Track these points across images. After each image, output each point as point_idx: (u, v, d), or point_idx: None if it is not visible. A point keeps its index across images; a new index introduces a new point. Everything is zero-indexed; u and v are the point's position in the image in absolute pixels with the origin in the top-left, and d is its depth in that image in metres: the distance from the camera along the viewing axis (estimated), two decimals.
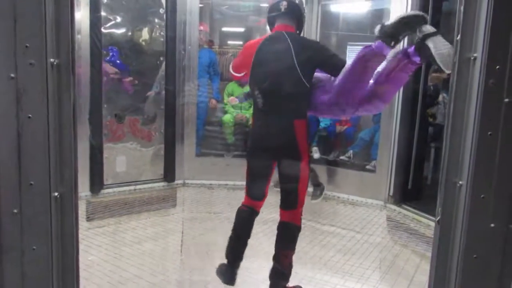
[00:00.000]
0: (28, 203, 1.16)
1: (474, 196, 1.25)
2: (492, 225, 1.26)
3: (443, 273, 1.32)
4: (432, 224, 3.96)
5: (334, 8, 5.75)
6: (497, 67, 1.19)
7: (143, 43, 4.85)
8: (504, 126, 1.21)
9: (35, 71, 1.13)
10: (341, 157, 5.15)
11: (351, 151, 5.06)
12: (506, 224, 1.27)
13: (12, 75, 1.11)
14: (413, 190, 4.47)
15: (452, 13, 5.12)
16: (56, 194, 1.20)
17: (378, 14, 5.54)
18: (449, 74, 4.80)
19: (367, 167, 5.01)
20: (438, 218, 1.31)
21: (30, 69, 1.12)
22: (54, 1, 1.13)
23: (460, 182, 1.27)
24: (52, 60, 1.15)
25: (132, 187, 4.80)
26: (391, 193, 4.51)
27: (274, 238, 3.85)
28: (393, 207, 4.47)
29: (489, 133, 1.22)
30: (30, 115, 1.14)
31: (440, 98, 5.05)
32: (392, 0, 4.40)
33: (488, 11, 1.17)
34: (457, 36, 1.23)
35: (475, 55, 1.21)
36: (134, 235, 3.81)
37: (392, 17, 4.34)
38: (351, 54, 6.04)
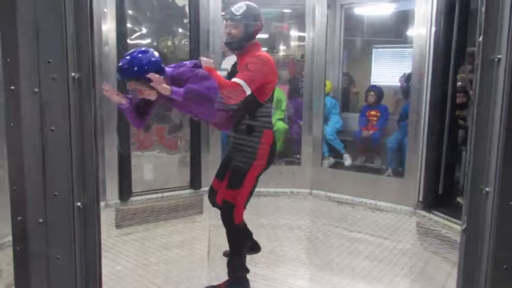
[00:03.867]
0: (52, 213, 1.19)
1: (502, 203, 1.20)
2: None
3: (471, 285, 1.27)
4: None
5: (357, 11, 5.69)
6: None
7: (168, 52, 4.94)
8: None
9: (57, 85, 1.17)
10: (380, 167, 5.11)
11: (390, 170, 5.01)
12: None
13: (36, 89, 1.15)
14: (443, 195, 4.33)
15: (477, 12, 4.97)
16: (79, 204, 1.23)
17: (403, 16, 5.46)
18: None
19: (385, 174, 4.94)
20: (464, 226, 1.27)
21: (52, 84, 1.16)
22: (74, 17, 1.17)
23: (487, 189, 1.22)
24: (73, 74, 1.18)
25: (159, 195, 4.87)
26: (420, 199, 4.38)
27: (300, 246, 3.85)
28: (423, 213, 4.35)
29: None
30: (53, 128, 1.17)
31: (471, 100, 4.89)
32: (416, 1, 4.30)
33: (511, 10, 1.12)
34: (479, 37, 1.19)
35: (499, 56, 1.17)
36: (161, 242, 3.85)
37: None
38: (377, 57, 5.98)
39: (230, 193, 2.69)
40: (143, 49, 2.54)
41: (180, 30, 4.92)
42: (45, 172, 1.18)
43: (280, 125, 5.62)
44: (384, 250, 3.74)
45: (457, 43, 4.11)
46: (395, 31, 5.74)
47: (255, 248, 3.08)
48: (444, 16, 4.05)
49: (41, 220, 1.18)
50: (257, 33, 2.68)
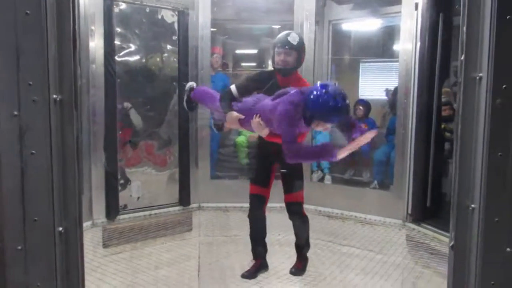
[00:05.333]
0: (32, 239, 1.16)
1: (487, 219, 1.20)
2: (508, 249, 1.21)
3: None
4: None
5: (344, 27, 5.77)
6: (504, 86, 1.16)
7: (156, 69, 4.93)
8: None
9: (38, 107, 1.15)
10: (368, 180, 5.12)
11: (375, 182, 5.03)
12: None
13: (15, 112, 1.13)
14: (432, 207, 4.35)
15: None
16: (60, 229, 1.20)
17: (389, 32, 5.56)
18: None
19: (371, 187, 4.95)
20: (452, 243, 1.26)
21: (33, 106, 1.15)
22: (57, 38, 1.16)
23: (473, 205, 1.22)
24: (55, 96, 1.17)
25: (147, 212, 4.81)
26: (409, 212, 4.39)
27: (291, 261, 3.82)
28: (412, 225, 4.35)
29: (499, 154, 1.18)
30: (33, 151, 1.15)
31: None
32: (402, 18, 4.38)
33: (491, 30, 1.14)
34: (461, 56, 1.20)
35: (480, 74, 1.18)
36: (150, 261, 3.79)
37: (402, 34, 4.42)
38: (364, 71, 6.04)
39: (298, 194, 3.11)
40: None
41: (169, 47, 4.93)
42: (24, 196, 1.15)
43: None
44: (375, 264, 3.73)
45: (441, 58, 4.18)
46: (381, 46, 5.83)
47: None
48: (428, 32, 4.13)
49: (20, 247, 1.15)
50: (303, 61, 2.97)
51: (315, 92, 2.34)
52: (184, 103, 3.27)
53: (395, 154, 4.70)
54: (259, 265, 3.26)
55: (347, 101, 2.39)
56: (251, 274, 3.26)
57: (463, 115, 1.22)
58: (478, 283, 1.22)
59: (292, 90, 2.53)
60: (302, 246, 3.30)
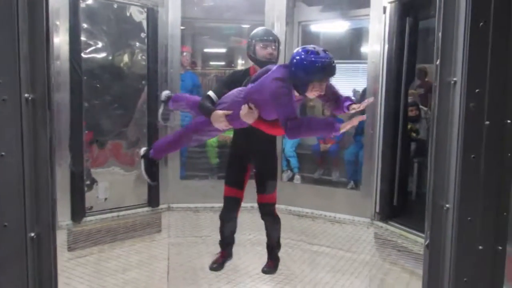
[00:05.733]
0: (2, 246, 1.10)
1: (461, 218, 1.24)
2: (480, 247, 1.25)
3: None
4: (419, 240, 3.96)
5: (313, 28, 5.83)
6: (477, 90, 1.20)
7: (125, 67, 4.81)
8: (486, 148, 1.22)
9: (8, 107, 1.09)
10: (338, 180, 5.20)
11: (352, 182, 5.09)
12: (493, 245, 1.27)
13: None
14: (398, 206, 4.48)
15: (430, 31, 5.27)
16: (32, 234, 1.14)
17: (357, 34, 5.68)
18: (427, 89, 4.89)
19: (348, 187, 5.05)
20: (427, 242, 1.30)
21: (3, 106, 1.09)
22: (28, 34, 1.10)
23: (447, 205, 1.26)
24: (26, 95, 1.11)
25: (115, 214, 4.68)
26: (377, 210, 4.50)
27: (261, 261, 3.84)
28: (380, 224, 4.46)
29: (472, 155, 1.22)
30: (3, 153, 1.09)
31: (422, 113, 5.13)
32: (370, 20, 4.48)
33: (465, 36, 1.18)
34: (437, 61, 1.24)
35: (454, 79, 1.22)
36: (118, 263, 3.71)
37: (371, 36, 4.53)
38: None
39: (272, 196, 3.15)
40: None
41: (138, 44, 4.82)
42: None
43: None
44: (345, 262, 3.80)
45: (408, 60, 4.31)
46: (350, 48, 5.94)
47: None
48: (395, 35, 4.25)
49: None
50: None
51: (298, 57, 2.25)
52: (160, 115, 3.10)
53: (363, 154, 4.80)
54: (226, 255, 3.27)
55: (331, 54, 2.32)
56: (219, 265, 3.26)
57: (438, 117, 1.25)
58: (452, 280, 1.26)
59: (271, 68, 2.43)
60: (273, 246, 3.31)
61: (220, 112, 2.55)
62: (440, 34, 1.22)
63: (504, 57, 1.19)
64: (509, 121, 1.22)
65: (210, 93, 2.74)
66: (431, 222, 1.29)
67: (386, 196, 4.43)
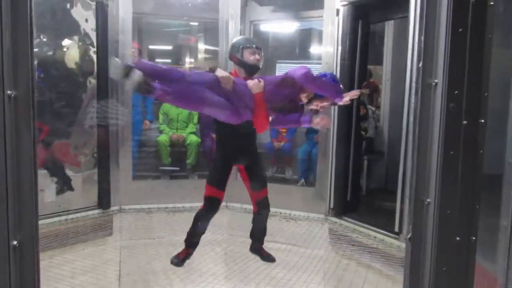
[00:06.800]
0: None
1: (441, 212, 1.33)
2: (458, 238, 1.35)
3: (416, 286, 1.38)
4: (373, 233, 4.15)
5: (263, 27, 5.90)
6: (456, 92, 1.28)
7: (72, 63, 4.56)
8: (464, 146, 1.31)
9: None
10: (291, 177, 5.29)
11: (303, 180, 5.20)
12: (468, 237, 1.37)
13: None
14: (351, 201, 4.66)
15: (377, 34, 5.54)
16: (15, 243, 1.06)
17: (312, 34, 5.82)
18: (372, 90, 5.12)
19: (298, 184, 5.17)
20: (409, 235, 1.37)
21: None
22: (11, 29, 1.02)
23: (428, 200, 1.34)
24: (9, 92, 1.03)
25: (63, 217, 4.44)
26: (331, 206, 4.66)
27: (217, 260, 3.82)
28: (334, 219, 4.62)
29: (451, 152, 1.31)
30: None
31: (370, 112, 5.37)
32: (324, 22, 4.61)
33: (446, 41, 1.26)
34: (419, 64, 1.31)
35: (436, 81, 1.30)
36: (69, 268, 3.53)
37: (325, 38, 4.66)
38: (280, 71, 6.24)
39: (266, 189, 3.23)
40: None
41: (86, 39, 4.58)
42: None
43: (192, 138, 5.54)
44: (300, 258, 3.88)
45: (360, 61, 4.50)
46: (303, 48, 6.07)
47: None
48: (348, 37, 4.41)
49: None
50: None
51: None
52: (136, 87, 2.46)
53: (316, 152, 4.93)
54: (189, 254, 3.26)
55: None
56: (180, 261, 3.25)
57: (420, 117, 1.33)
58: (432, 270, 1.34)
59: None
60: (263, 235, 3.46)
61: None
62: (422, 37, 1.30)
63: (479, 61, 1.28)
64: (482, 121, 1.32)
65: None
66: (413, 217, 1.36)
67: (340, 192, 4.60)
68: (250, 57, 3.03)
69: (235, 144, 3.05)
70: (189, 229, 3.22)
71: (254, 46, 3.06)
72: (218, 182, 3.09)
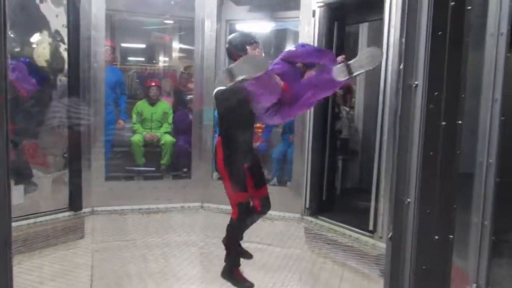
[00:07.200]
0: None
1: (421, 212, 1.35)
2: (436, 237, 1.37)
3: (396, 285, 1.40)
4: (347, 232, 4.21)
5: (239, 27, 5.88)
6: (436, 93, 1.31)
7: (42, 60, 4.41)
8: (442, 147, 1.34)
9: None
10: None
11: (275, 179, 5.20)
12: (446, 235, 1.40)
13: None
14: (327, 201, 4.71)
15: (351, 35, 5.61)
16: None
17: (282, 34, 5.84)
18: (346, 91, 5.19)
19: (270, 183, 5.19)
20: (390, 235, 1.39)
21: None
22: None
23: (408, 200, 1.36)
24: None
25: (32, 220, 4.28)
26: (307, 206, 4.69)
27: (193, 261, 3.78)
28: (310, 218, 4.65)
29: (431, 153, 1.33)
30: None
31: (344, 113, 5.44)
32: (300, 23, 4.64)
33: (427, 44, 1.29)
34: (400, 65, 1.33)
35: (416, 82, 1.32)
36: (38, 274, 3.41)
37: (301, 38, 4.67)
38: None
39: (267, 188, 3.11)
40: None
41: (57, 36, 4.44)
42: None
43: (167, 138, 5.47)
44: (276, 257, 3.89)
45: None
46: (275, 47, 6.09)
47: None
48: (324, 37, 4.45)
49: None
50: None
51: None
52: None
53: (291, 152, 4.96)
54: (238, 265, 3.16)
55: None
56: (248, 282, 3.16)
57: (400, 118, 1.35)
58: (412, 268, 1.36)
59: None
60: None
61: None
62: (403, 40, 1.31)
63: (458, 64, 1.31)
64: (460, 122, 1.35)
65: None
66: (393, 216, 1.38)
67: (315, 191, 4.64)
68: (252, 52, 2.92)
69: (244, 144, 2.99)
70: (230, 243, 3.14)
71: (255, 41, 2.99)
72: (242, 186, 2.99)
